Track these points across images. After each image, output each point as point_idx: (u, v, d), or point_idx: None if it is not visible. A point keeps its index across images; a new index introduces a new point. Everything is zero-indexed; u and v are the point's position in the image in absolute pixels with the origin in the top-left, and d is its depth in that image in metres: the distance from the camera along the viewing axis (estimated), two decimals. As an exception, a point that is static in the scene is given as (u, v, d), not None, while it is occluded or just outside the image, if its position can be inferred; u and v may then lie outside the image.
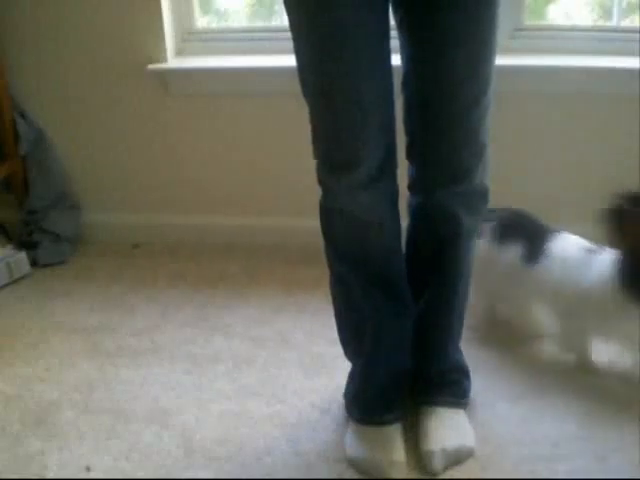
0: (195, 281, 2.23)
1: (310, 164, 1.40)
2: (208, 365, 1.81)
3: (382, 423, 1.49)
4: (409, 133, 1.40)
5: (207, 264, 2.31)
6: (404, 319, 1.50)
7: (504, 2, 1.28)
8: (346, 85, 1.27)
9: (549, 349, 1.77)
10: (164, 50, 2.26)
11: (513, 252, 1.72)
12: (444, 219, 1.44)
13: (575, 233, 2.20)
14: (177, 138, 2.37)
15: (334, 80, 1.27)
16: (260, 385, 1.73)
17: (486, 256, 1.73)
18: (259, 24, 2.48)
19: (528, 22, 2.19)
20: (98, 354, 1.88)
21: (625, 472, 1.41)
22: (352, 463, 1.46)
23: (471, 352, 1.65)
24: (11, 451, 1.54)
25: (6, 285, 2.24)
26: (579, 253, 1.67)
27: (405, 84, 1.37)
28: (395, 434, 1.48)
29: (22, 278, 2.28)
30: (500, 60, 1.33)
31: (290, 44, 1.32)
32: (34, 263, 2.33)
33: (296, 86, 1.34)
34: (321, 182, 1.40)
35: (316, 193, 1.43)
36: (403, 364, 1.53)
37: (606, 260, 1.58)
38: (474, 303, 1.68)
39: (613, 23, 2.19)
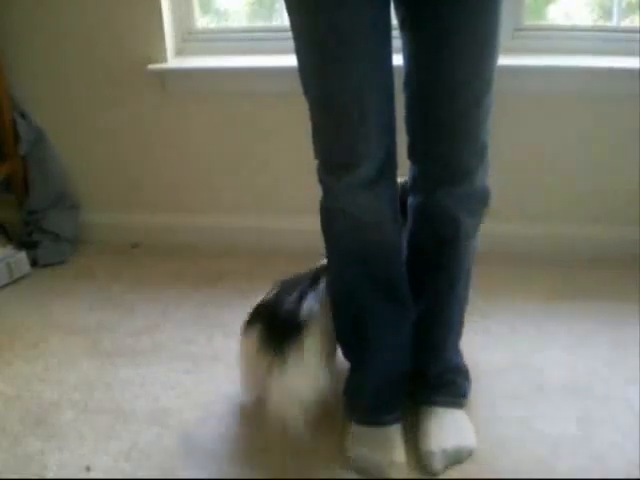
0: (195, 281, 2.23)
1: (310, 164, 1.40)
2: (208, 365, 1.81)
3: (382, 423, 1.49)
4: (410, 133, 1.40)
5: (207, 264, 2.31)
6: (404, 319, 1.50)
7: (504, 2, 1.28)
8: (346, 85, 1.27)
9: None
10: (164, 50, 2.26)
11: None
12: (444, 220, 1.44)
13: (575, 233, 2.22)
14: (177, 138, 2.37)
15: (334, 80, 1.27)
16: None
17: None
18: (259, 24, 2.48)
19: (528, 22, 2.19)
20: (98, 354, 1.88)
21: (625, 472, 1.41)
22: (352, 463, 1.46)
23: (470, 352, 1.65)
24: (11, 451, 1.54)
25: (6, 285, 2.24)
26: None
27: (406, 84, 1.37)
28: (395, 434, 1.48)
29: (22, 278, 2.28)
30: (500, 60, 1.33)
31: (290, 44, 1.32)
32: (34, 263, 2.33)
33: (296, 86, 1.34)
34: (321, 182, 1.40)
35: (316, 193, 1.43)
36: (403, 365, 1.53)
37: None
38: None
39: (613, 23, 2.19)
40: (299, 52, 1.31)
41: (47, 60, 2.34)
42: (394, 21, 1.33)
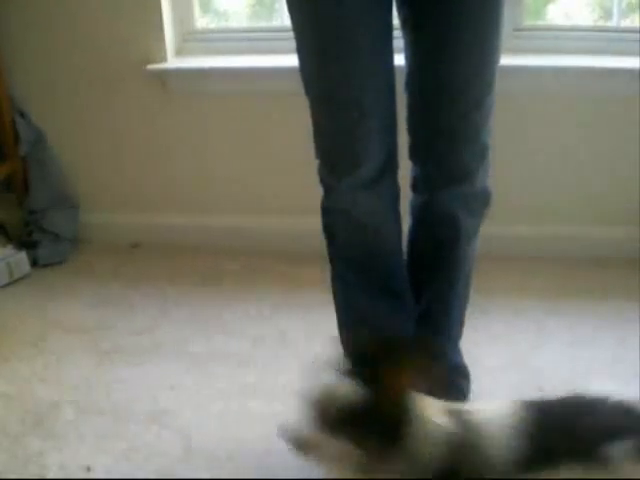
0: (194, 281, 2.23)
1: (311, 164, 1.40)
2: (207, 365, 1.81)
3: (382, 423, 1.49)
4: (411, 133, 1.40)
5: (206, 264, 2.31)
6: (404, 319, 1.50)
7: (505, 3, 1.28)
8: (347, 85, 1.27)
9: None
10: (164, 50, 2.26)
11: None
12: (444, 220, 1.44)
13: (575, 233, 2.22)
14: (176, 138, 2.37)
15: (335, 80, 1.27)
16: (260, 385, 1.72)
17: None
18: (259, 24, 2.48)
19: (528, 22, 2.19)
20: (98, 354, 1.88)
21: (625, 472, 1.41)
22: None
23: (471, 352, 1.65)
24: (11, 451, 1.54)
25: (6, 285, 2.24)
26: None
27: (408, 84, 1.37)
28: (395, 434, 1.48)
29: (22, 278, 2.28)
30: (500, 60, 1.33)
31: (290, 44, 1.32)
32: (34, 263, 2.33)
33: (296, 86, 1.34)
34: (322, 182, 1.40)
35: (317, 193, 1.43)
36: (403, 364, 1.53)
37: None
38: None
39: (613, 23, 2.19)
40: (300, 52, 1.31)
41: (47, 60, 2.34)
42: (395, 21, 1.33)
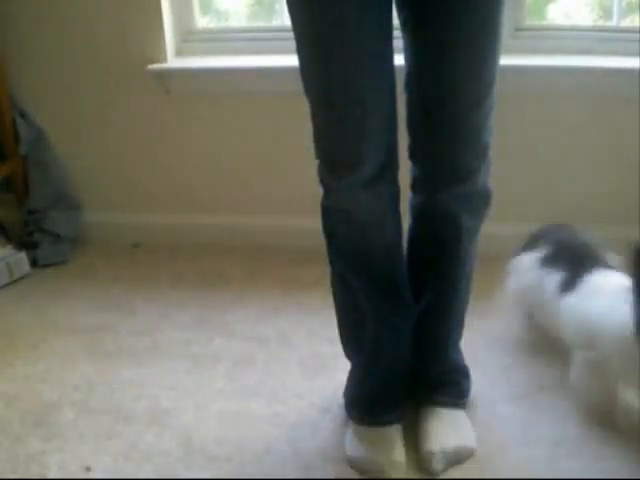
0: (195, 281, 2.23)
1: (311, 164, 1.40)
2: (208, 365, 1.81)
3: (382, 423, 1.49)
4: (411, 133, 1.40)
5: (207, 264, 2.31)
6: (404, 319, 1.50)
7: (505, 4, 1.28)
8: (347, 85, 1.27)
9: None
10: (164, 50, 2.26)
11: (554, 280, 1.64)
12: (445, 220, 1.44)
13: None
14: (177, 138, 2.37)
15: (335, 80, 1.27)
16: (260, 385, 1.72)
17: (533, 281, 1.70)
18: (259, 24, 2.48)
19: (528, 22, 2.19)
20: (98, 354, 1.88)
21: (625, 472, 1.41)
22: (352, 463, 1.46)
23: (471, 352, 1.65)
24: (11, 451, 1.54)
25: (6, 285, 2.24)
26: (614, 291, 1.51)
27: (408, 84, 1.37)
28: (395, 434, 1.48)
29: (22, 278, 2.28)
30: (500, 60, 1.33)
31: (290, 44, 1.32)
32: (34, 263, 2.33)
33: (296, 86, 1.34)
34: (322, 182, 1.40)
35: (317, 193, 1.43)
36: (403, 364, 1.53)
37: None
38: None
39: (613, 23, 2.19)
40: (300, 52, 1.31)
41: (47, 60, 2.34)
42: (395, 21, 1.33)
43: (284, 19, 2.28)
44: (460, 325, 1.59)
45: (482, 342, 1.82)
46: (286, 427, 1.58)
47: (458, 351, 1.61)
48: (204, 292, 2.16)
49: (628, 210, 2.16)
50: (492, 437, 1.51)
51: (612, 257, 1.66)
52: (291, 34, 1.31)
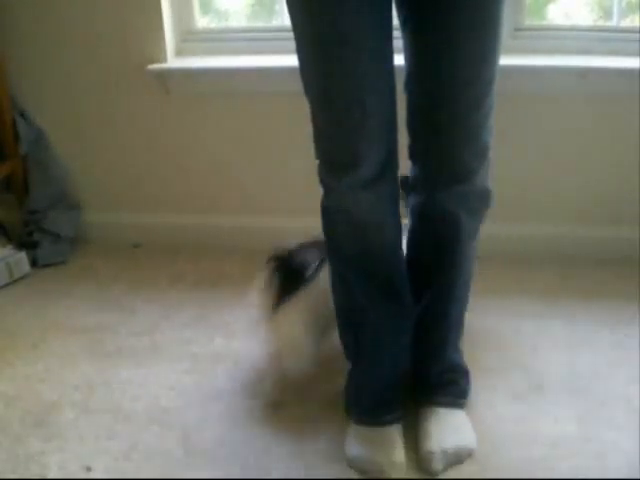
0: (195, 281, 2.23)
1: (311, 164, 1.40)
2: (208, 365, 1.81)
3: (382, 423, 1.49)
4: (411, 133, 1.40)
5: (207, 264, 2.31)
6: (404, 319, 1.50)
7: (505, 3, 1.28)
8: (347, 85, 1.27)
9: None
10: (164, 50, 2.26)
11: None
12: (444, 220, 1.44)
13: (575, 233, 2.22)
14: (177, 138, 2.37)
15: (335, 80, 1.27)
16: (260, 385, 1.72)
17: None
18: (259, 24, 2.48)
19: (528, 22, 2.19)
20: (98, 354, 1.88)
21: (625, 472, 1.41)
22: (352, 463, 1.46)
23: (471, 352, 1.65)
24: (11, 451, 1.54)
25: (6, 285, 2.24)
26: None
27: (408, 84, 1.37)
28: (395, 434, 1.48)
29: (22, 278, 2.28)
30: (500, 60, 1.33)
31: (290, 44, 1.32)
32: (34, 263, 2.33)
33: (296, 86, 1.34)
34: (322, 182, 1.40)
35: (317, 193, 1.43)
36: (403, 364, 1.53)
37: None
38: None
39: (613, 23, 2.19)
40: (300, 52, 1.31)
41: (47, 60, 2.34)
42: (395, 21, 1.33)
43: (284, 19, 2.28)
44: (460, 325, 1.59)
45: (482, 342, 1.82)
46: (286, 427, 1.58)
47: (458, 351, 1.61)
48: (204, 292, 2.16)
49: (628, 210, 2.16)
50: (492, 437, 1.51)
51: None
52: (291, 34, 1.31)
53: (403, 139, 1.40)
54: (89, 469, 1.49)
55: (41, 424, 1.63)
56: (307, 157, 1.41)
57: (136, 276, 2.27)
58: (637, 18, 2.19)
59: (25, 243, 2.37)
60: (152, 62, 2.26)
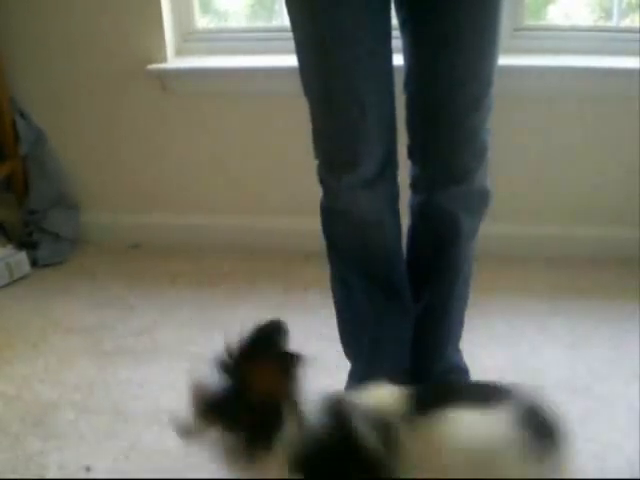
0: (195, 281, 2.23)
1: (310, 164, 1.40)
2: (208, 365, 1.81)
3: (382, 423, 1.49)
4: (410, 133, 1.40)
5: (207, 264, 2.31)
6: (404, 319, 1.50)
7: (504, 3, 1.28)
8: (346, 85, 1.27)
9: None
10: (164, 50, 2.26)
11: None
12: (444, 220, 1.44)
13: (575, 233, 2.22)
14: (177, 138, 2.37)
15: (334, 80, 1.27)
16: (260, 385, 1.72)
17: None
18: (259, 24, 2.48)
19: (528, 22, 2.19)
20: (98, 354, 1.88)
21: (625, 472, 1.41)
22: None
23: (470, 352, 1.65)
24: (11, 451, 1.54)
25: (6, 285, 2.24)
26: None
27: (407, 84, 1.37)
28: (395, 434, 1.48)
29: (22, 278, 2.28)
30: (500, 60, 1.33)
31: (290, 44, 1.32)
32: (34, 263, 2.33)
33: (296, 86, 1.34)
34: (322, 182, 1.40)
35: (316, 193, 1.43)
36: (402, 364, 1.53)
37: None
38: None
39: (613, 23, 2.19)
40: (299, 52, 1.31)
41: (47, 60, 2.34)
42: (394, 21, 1.33)
43: (284, 19, 2.28)
44: (459, 324, 1.58)
45: (482, 342, 1.81)
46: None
47: (458, 350, 1.61)
48: (203, 292, 2.16)
49: (628, 210, 2.16)
50: (492, 437, 1.51)
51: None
52: (291, 34, 1.31)
53: (403, 139, 1.40)
54: (89, 469, 1.49)
55: (40, 424, 1.62)
56: (306, 157, 1.41)
57: (136, 276, 2.27)
58: (637, 18, 2.19)
59: (25, 243, 2.37)
60: (152, 62, 2.26)
